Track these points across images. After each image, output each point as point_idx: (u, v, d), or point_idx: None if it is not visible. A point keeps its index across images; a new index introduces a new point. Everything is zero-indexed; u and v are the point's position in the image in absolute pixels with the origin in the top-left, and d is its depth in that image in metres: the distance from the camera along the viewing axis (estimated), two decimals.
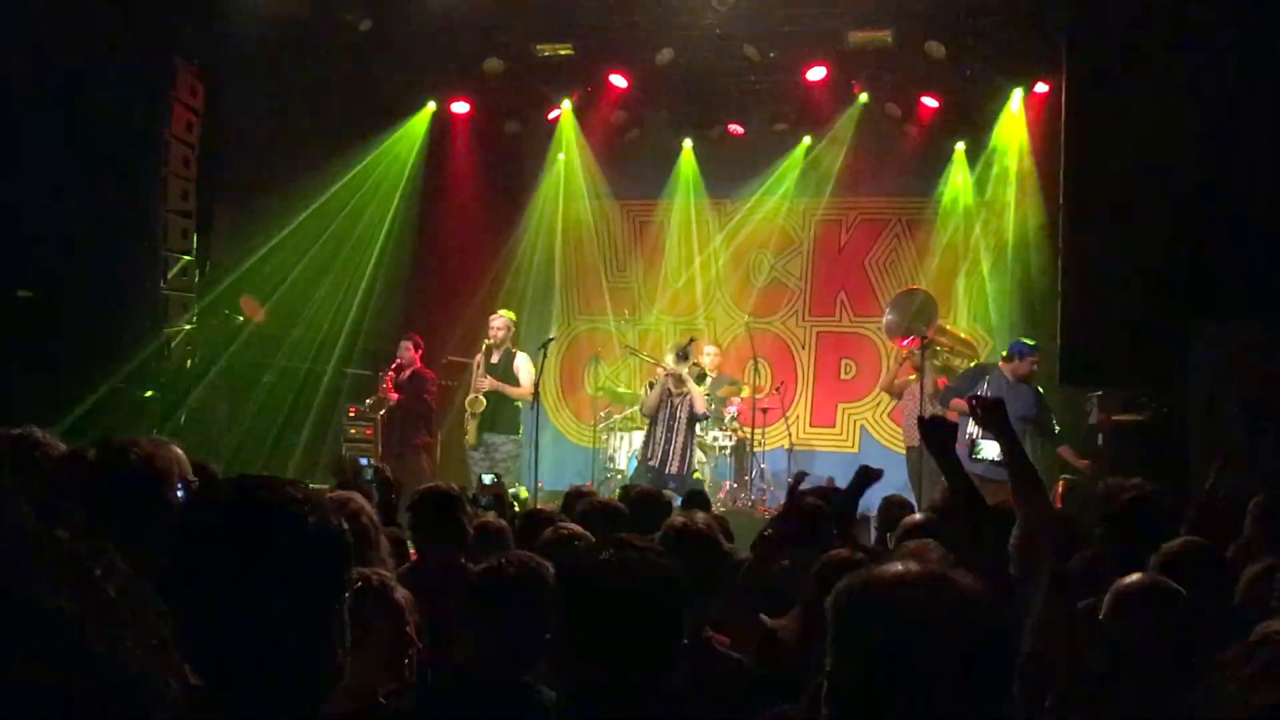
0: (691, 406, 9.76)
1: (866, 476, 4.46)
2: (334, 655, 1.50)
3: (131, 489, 2.00)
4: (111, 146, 8.86)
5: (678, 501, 7.21)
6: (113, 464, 2.02)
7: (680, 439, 9.79)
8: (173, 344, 9.61)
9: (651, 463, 9.85)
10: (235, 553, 1.44)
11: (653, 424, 9.91)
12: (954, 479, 3.42)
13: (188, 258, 9.73)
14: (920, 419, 3.68)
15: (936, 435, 3.50)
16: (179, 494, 2.12)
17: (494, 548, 4.18)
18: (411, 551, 4.67)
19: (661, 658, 1.94)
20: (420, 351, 10.93)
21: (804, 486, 4.84)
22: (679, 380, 9.77)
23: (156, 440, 3.53)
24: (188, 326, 9.78)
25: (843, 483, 6.76)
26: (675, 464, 9.79)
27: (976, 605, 1.58)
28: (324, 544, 1.49)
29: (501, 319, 10.31)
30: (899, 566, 1.64)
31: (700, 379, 10.06)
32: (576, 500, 6.12)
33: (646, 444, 9.99)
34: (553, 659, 1.94)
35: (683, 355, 9.87)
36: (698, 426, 10.10)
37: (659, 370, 10.02)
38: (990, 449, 4.36)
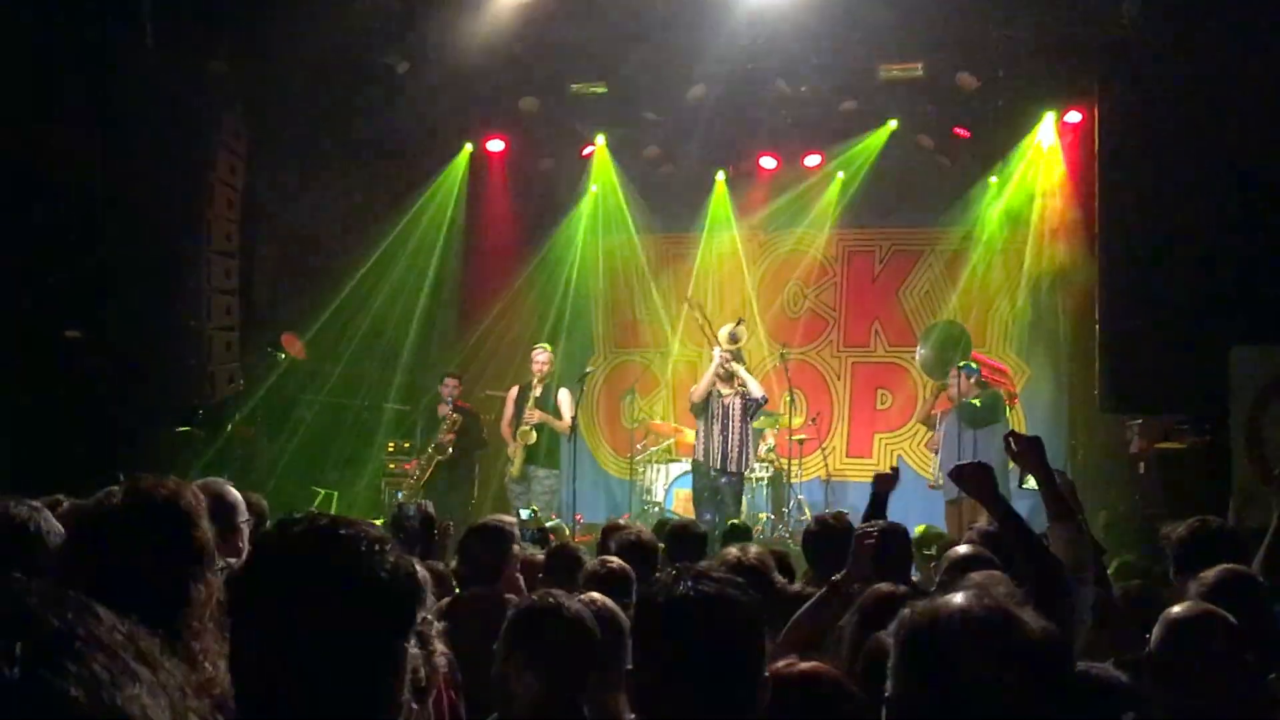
0: (743, 398, 9.75)
1: (882, 484, 4.47)
2: (397, 693, 1.50)
3: (157, 530, 2.01)
4: (158, 190, 9.05)
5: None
6: (138, 506, 2.05)
7: (736, 435, 9.75)
8: (216, 381, 9.75)
9: (708, 464, 9.79)
10: (312, 590, 1.45)
11: (705, 426, 9.87)
12: (1001, 518, 3.41)
13: (231, 297, 9.89)
14: (952, 471, 3.68)
15: (973, 481, 3.50)
16: (241, 528, 2.14)
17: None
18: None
19: (745, 691, 1.93)
20: (461, 388, 11.03)
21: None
22: (728, 377, 9.76)
23: (208, 479, 3.62)
24: (231, 364, 9.92)
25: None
26: (734, 461, 9.75)
27: (1039, 643, 1.60)
28: (400, 584, 1.49)
29: (545, 353, 10.42)
30: (965, 600, 1.65)
31: (738, 357, 10.00)
32: (611, 534, 6.17)
33: (700, 447, 9.93)
34: (633, 694, 1.93)
35: (733, 337, 9.95)
36: (754, 418, 10.07)
37: (714, 353, 9.98)
38: None
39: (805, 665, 2.49)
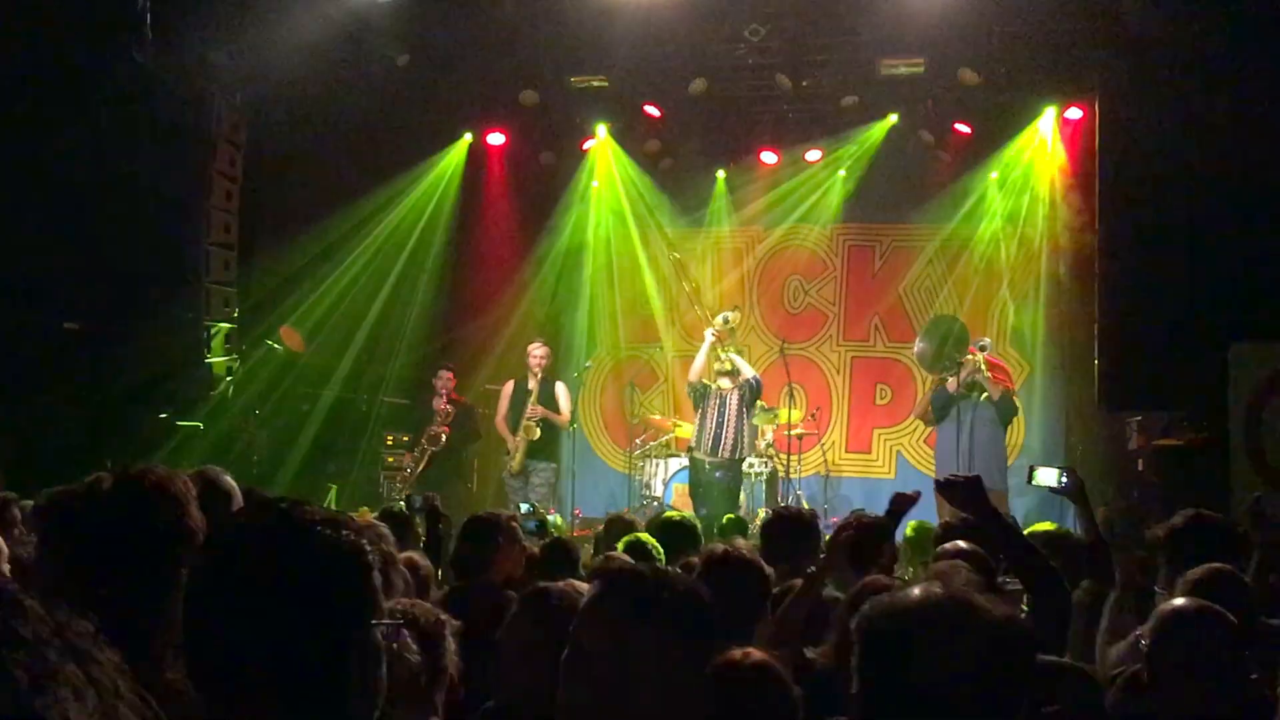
0: (741, 391, 9.82)
1: (902, 503, 4.48)
2: (356, 687, 1.44)
3: (147, 514, 2.00)
4: (156, 182, 9.05)
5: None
6: (127, 492, 2.05)
7: (731, 424, 9.79)
8: (215, 374, 9.75)
9: (701, 451, 9.84)
10: (247, 574, 1.41)
11: (702, 413, 9.93)
12: (996, 531, 3.41)
13: (230, 289, 9.89)
14: (936, 483, 3.66)
15: (958, 494, 3.50)
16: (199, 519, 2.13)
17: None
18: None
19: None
20: (455, 381, 11.02)
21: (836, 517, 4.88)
22: (730, 372, 9.84)
23: (207, 466, 3.61)
24: (229, 357, 9.92)
25: (874, 509, 6.80)
26: (727, 448, 9.78)
27: (996, 629, 1.59)
28: (338, 563, 1.43)
29: (543, 348, 10.41)
30: (922, 591, 1.65)
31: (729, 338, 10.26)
32: (615, 527, 6.18)
33: (695, 434, 10.00)
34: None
35: (724, 319, 10.13)
36: (752, 407, 10.14)
37: (707, 334, 10.13)
38: (1047, 476, 4.33)
39: (757, 656, 2.53)
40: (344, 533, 1.46)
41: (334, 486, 10.81)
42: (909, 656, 1.57)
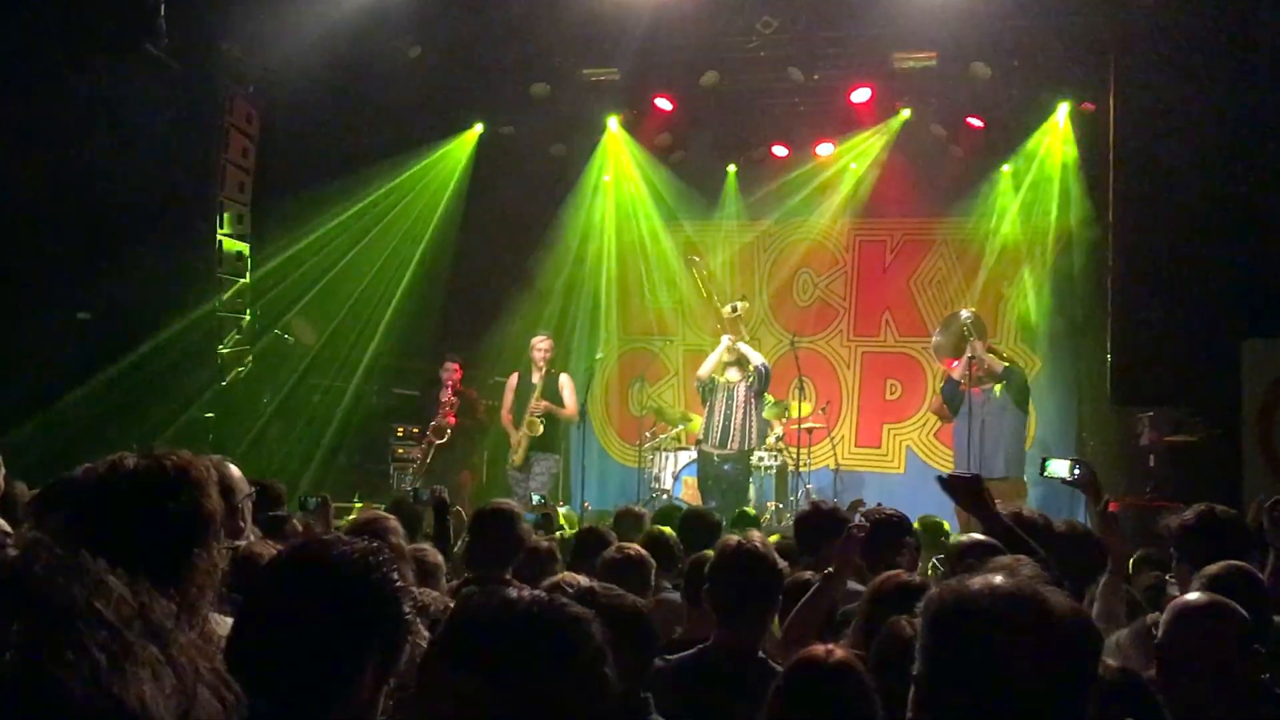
0: (748, 383, 9.80)
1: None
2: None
3: (168, 496, 2.03)
4: (170, 172, 9.07)
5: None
6: (151, 472, 2.06)
7: (739, 414, 9.82)
8: (226, 365, 9.78)
9: (709, 444, 9.85)
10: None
11: (709, 407, 9.96)
12: (991, 528, 3.45)
13: (243, 280, 9.91)
14: (940, 479, 3.69)
15: (963, 490, 3.52)
16: (220, 503, 2.15)
17: (543, 570, 4.23)
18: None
19: None
20: (461, 373, 11.02)
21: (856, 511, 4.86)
22: (737, 363, 9.81)
23: (211, 455, 3.62)
24: (240, 348, 9.94)
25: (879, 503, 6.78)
26: (735, 439, 9.78)
27: (1066, 620, 1.63)
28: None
29: (546, 340, 10.39)
30: (993, 580, 1.68)
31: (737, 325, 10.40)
32: (625, 520, 6.18)
33: (704, 428, 10.05)
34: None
35: (733, 309, 10.24)
36: (761, 395, 10.18)
37: (724, 339, 10.25)
38: (1059, 467, 4.33)
39: (840, 654, 2.52)
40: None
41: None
42: (979, 642, 1.61)
